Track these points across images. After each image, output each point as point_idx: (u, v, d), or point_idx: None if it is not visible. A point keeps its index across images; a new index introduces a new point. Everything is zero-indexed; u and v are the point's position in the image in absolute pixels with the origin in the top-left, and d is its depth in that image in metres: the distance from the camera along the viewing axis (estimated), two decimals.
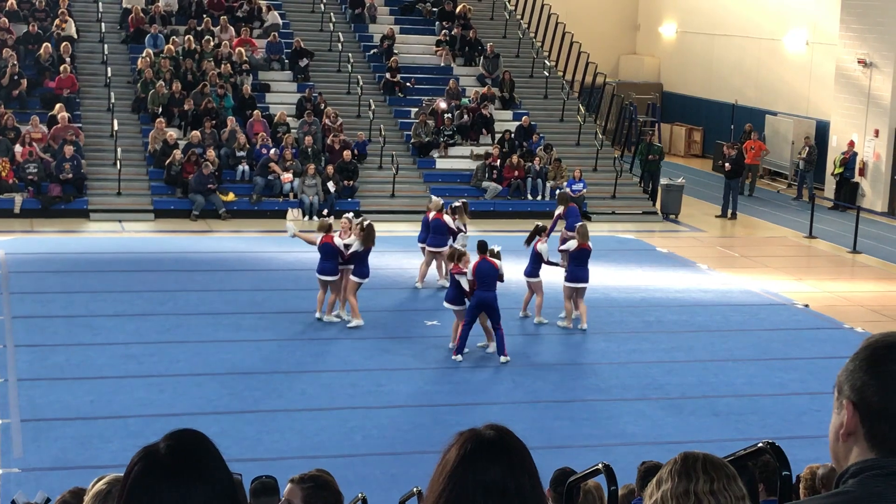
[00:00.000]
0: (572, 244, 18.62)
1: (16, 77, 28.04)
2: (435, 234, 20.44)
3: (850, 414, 2.40)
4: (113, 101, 28.54)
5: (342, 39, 32.04)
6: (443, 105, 30.08)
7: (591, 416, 15.08)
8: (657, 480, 2.78)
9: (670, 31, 41.62)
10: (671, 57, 41.64)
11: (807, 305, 20.80)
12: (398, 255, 22.61)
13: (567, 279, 18.50)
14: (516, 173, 28.43)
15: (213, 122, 27.85)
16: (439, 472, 2.58)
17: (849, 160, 30.93)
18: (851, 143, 31.06)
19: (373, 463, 13.13)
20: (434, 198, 21.52)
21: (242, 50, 30.31)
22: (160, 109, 28.28)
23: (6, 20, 29.60)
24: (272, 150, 27.22)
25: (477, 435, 2.60)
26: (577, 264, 18.49)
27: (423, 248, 20.84)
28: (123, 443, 13.12)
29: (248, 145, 27.70)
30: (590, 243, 18.61)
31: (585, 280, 18.53)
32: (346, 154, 27.67)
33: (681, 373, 16.90)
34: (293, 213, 26.64)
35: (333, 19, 32.82)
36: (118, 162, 26.64)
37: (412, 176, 28.79)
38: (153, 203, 26.41)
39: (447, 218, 20.59)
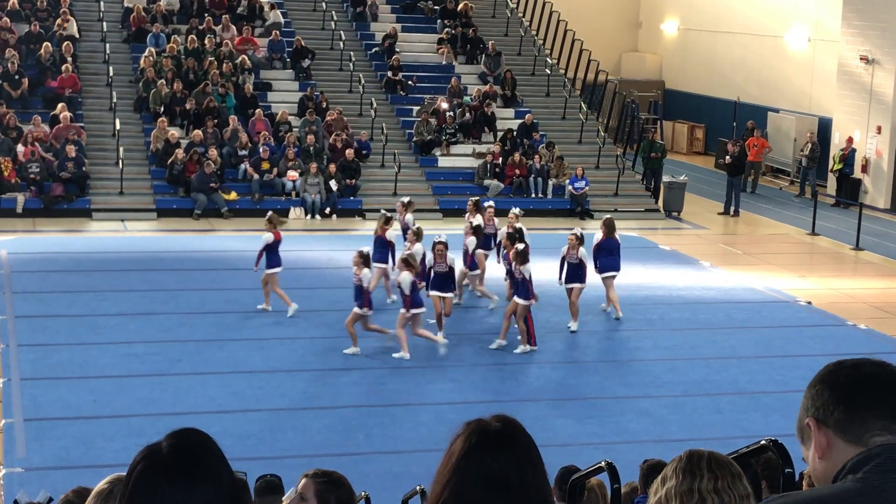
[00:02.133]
0: (598, 235, 19.11)
1: (17, 77, 28.05)
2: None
3: (815, 429, 2.51)
4: (115, 100, 28.54)
5: (344, 38, 32.04)
6: (444, 105, 30.06)
7: (594, 413, 15.07)
8: (662, 477, 2.77)
9: (672, 29, 41.59)
10: (673, 54, 41.61)
11: (809, 302, 20.78)
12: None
13: (598, 270, 18.91)
14: (518, 171, 28.42)
15: (215, 121, 27.86)
16: (445, 462, 2.57)
17: (847, 156, 30.94)
18: (850, 140, 31.06)
19: (375, 461, 13.13)
20: (488, 203, 21.01)
21: (244, 49, 30.31)
22: (162, 108, 28.29)
23: (8, 20, 29.61)
24: (262, 149, 27.23)
25: (483, 426, 2.59)
26: (604, 255, 18.91)
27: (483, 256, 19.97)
28: (126, 442, 13.13)
29: (249, 144, 27.70)
30: (617, 236, 19.18)
31: (615, 269, 18.95)
32: (349, 153, 27.67)
33: (683, 370, 16.89)
34: (295, 212, 26.65)
35: (335, 18, 32.81)
36: (120, 161, 26.65)
37: (414, 174, 28.78)
38: (155, 202, 26.42)
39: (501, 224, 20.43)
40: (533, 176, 28.54)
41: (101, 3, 31.77)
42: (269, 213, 19.87)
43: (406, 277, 16.51)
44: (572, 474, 7.16)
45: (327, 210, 26.76)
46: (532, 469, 2.55)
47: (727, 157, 29.70)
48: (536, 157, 28.89)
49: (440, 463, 2.59)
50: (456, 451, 2.56)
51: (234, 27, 31.36)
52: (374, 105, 29.83)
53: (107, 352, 16.63)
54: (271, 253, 18.68)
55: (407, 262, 16.70)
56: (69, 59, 28.75)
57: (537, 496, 2.55)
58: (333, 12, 33.02)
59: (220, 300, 19.53)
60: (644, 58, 42.49)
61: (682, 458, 2.79)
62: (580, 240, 18.48)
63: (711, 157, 37.52)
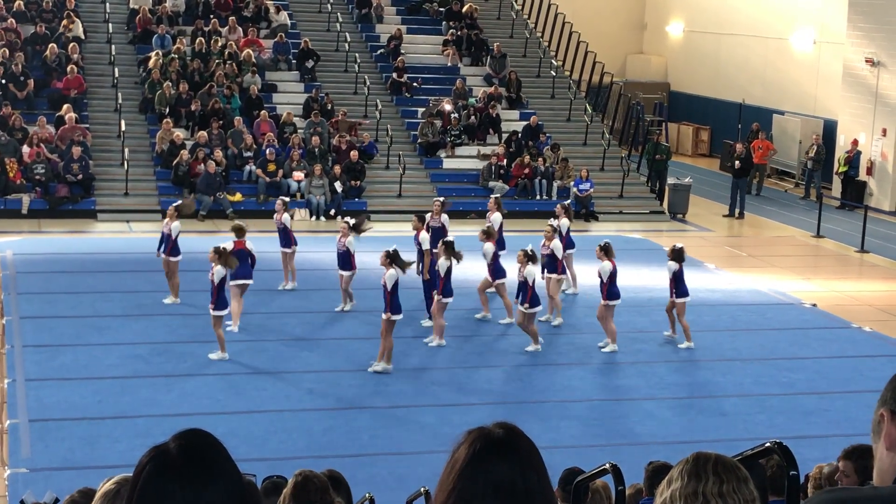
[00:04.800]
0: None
1: (23, 78, 28.09)
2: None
3: (888, 419, 2.50)
4: (120, 101, 28.58)
5: (349, 39, 32.05)
6: (447, 107, 30.05)
7: (599, 415, 15.07)
8: (668, 479, 2.77)
9: (677, 31, 41.58)
10: (678, 56, 41.60)
11: (814, 305, 20.77)
12: (405, 256, 22.53)
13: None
14: (524, 172, 28.42)
15: (220, 122, 27.89)
16: (448, 470, 2.60)
17: (853, 158, 30.94)
18: (855, 142, 31.05)
19: (380, 462, 13.14)
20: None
21: (250, 50, 30.33)
22: (167, 110, 28.32)
23: (13, 21, 29.65)
24: (266, 151, 27.26)
25: (486, 433, 2.61)
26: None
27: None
28: (131, 442, 13.15)
29: (254, 146, 27.72)
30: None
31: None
32: (353, 154, 27.70)
33: (688, 372, 16.88)
34: (300, 213, 26.65)
35: (340, 19, 32.83)
36: (125, 162, 26.68)
37: (419, 176, 28.80)
38: (160, 203, 26.41)
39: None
40: (538, 178, 28.54)
41: (107, 4, 31.81)
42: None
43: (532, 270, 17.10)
44: (577, 476, 7.16)
45: (332, 211, 26.78)
46: (536, 475, 2.59)
47: (736, 152, 29.74)
48: (541, 158, 28.88)
49: (443, 471, 2.61)
50: (460, 458, 2.58)
51: (240, 29, 31.38)
52: (379, 106, 29.84)
53: (112, 352, 16.65)
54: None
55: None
56: (75, 60, 28.79)
57: (542, 501, 2.57)
58: (339, 14, 33.04)
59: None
60: (649, 60, 42.48)
61: (688, 461, 2.78)
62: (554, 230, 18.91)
63: (716, 159, 37.50)
